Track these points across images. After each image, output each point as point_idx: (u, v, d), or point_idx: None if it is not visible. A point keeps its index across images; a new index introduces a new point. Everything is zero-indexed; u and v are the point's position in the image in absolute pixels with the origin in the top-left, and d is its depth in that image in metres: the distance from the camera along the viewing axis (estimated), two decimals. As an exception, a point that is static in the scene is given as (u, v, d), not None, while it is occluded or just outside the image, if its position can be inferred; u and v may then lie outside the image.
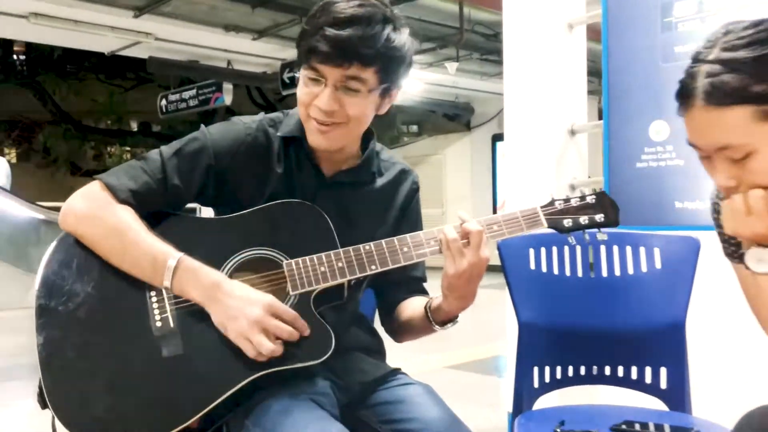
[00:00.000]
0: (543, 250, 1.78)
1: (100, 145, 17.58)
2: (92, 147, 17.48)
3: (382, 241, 1.32)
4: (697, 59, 1.05)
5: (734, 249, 1.19)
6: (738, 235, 1.10)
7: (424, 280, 1.55)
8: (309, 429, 1.17)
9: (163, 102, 10.94)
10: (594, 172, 3.38)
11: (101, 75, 16.24)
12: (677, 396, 1.67)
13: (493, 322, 4.29)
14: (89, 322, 1.26)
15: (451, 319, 1.39)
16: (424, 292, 1.53)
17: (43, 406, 1.25)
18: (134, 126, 18.15)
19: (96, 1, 6.66)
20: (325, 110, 1.30)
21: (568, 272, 1.78)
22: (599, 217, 1.35)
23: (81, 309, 1.26)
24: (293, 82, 8.29)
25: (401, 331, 1.51)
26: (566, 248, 1.78)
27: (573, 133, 3.01)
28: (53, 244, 1.33)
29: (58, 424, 1.23)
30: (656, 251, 1.74)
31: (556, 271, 1.78)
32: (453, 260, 1.28)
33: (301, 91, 1.32)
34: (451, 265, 1.28)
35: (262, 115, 1.46)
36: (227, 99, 9.60)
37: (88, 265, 1.30)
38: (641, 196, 2.68)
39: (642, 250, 1.75)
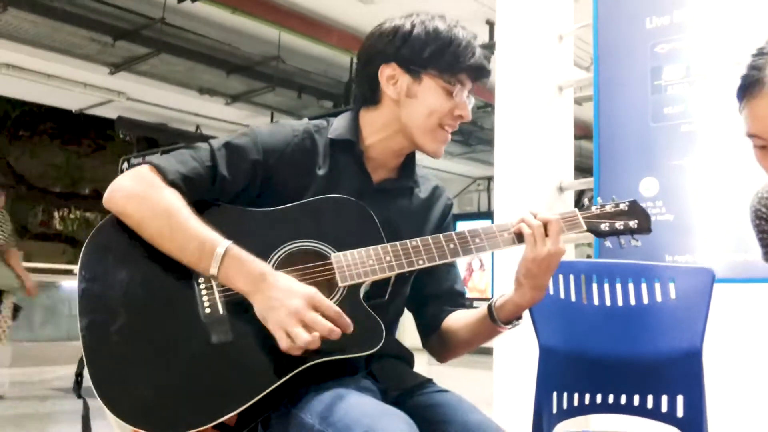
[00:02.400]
0: (561, 277, 1.80)
1: (51, 208, 17.18)
2: (42, 210, 17.08)
3: (429, 237, 1.34)
4: (762, 53, 1.12)
5: None
6: None
7: (465, 295, 1.55)
8: (367, 408, 1.15)
9: (125, 165, 10.83)
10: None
11: (56, 140, 16.04)
12: (694, 424, 1.68)
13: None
14: (136, 305, 1.23)
15: (518, 317, 1.40)
16: (467, 308, 1.54)
17: (78, 395, 1.20)
18: (87, 191, 17.82)
19: (73, 56, 6.66)
20: (467, 118, 1.41)
21: (584, 300, 1.80)
22: (633, 223, 1.41)
23: (127, 293, 1.23)
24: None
25: (451, 344, 1.49)
26: (583, 277, 1.82)
27: (561, 189, 3.10)
28: (95, 229, 1.30)
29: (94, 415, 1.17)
30: (670, 282, 1.78)
31: (573, 298, 1.80)
32: (535, 244, 1.30)
33: (440, 100, 1.38)
34: (531, 250, 1.31)
35: (306, 120, 1.49)
36: (192, 164, 9.55)
37: (133, 250, 1.27)
38: (632, 250, 2.75)
39: (656, 280, 1.80)
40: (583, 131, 6.55)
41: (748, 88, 1.11)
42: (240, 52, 7.11)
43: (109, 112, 8.57)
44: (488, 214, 9.06)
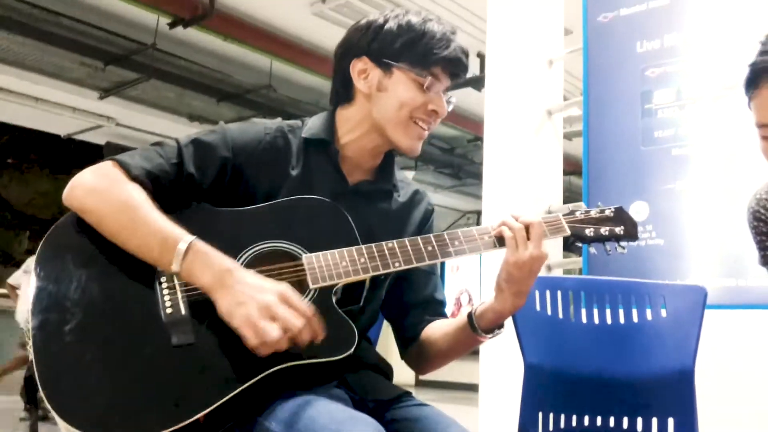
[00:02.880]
0: (548, 293, 1.73)
1: (37, 236, 17.00)
2: (29, 237, 16.90)
3: (405, 239, 1.27)
4: None
5: None
6: None
7: (445, 304, 1.48)
8: (335, 414, 1.07)
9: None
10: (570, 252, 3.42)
11: (45, 168, 15.93)
12: (686, 449, 1.60)
13: None
14: (92, 305, 1.15)
15: (499, 326, 1.33)
16: (446, 318, 1.47)
17: (28, 400, 1.12)
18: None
19: (63, 80, 6.62)
20: (442, 114, 1.34)
21: (572, 317, 1.73)
22: (619, 230, 1.36)
23: (83, 293, 1.15)
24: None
25: (430, 355, 1.42)
26: (571, 293, 1.75)
27: (550, 213, 3.04)
28: (53, 227, 1.23)
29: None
30: (661, 300, 1.72)
31: (561, 316, 1.73)
32: (516, 248, 1.24)
33: (411, 93, 1.32)
34: (513, 254, 1.24)
35: (279, 120, 1.43)
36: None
37: (91, 249, 1.20)
38: (621, 274, 2.68)
39: (647, 299, 1.73)
40: (572, 167, 6.54)
41: (763, 74, 1.05)
42: (231, 80, 7.10)
43: (98, 138, 8.52)
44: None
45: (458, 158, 9.38)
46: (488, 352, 3.12)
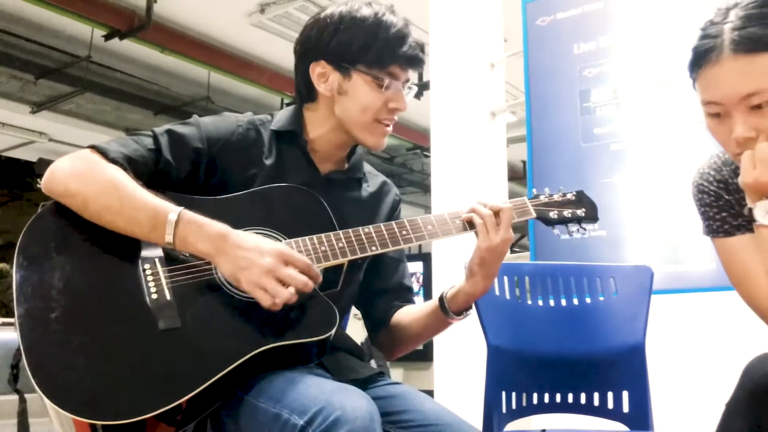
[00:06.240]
0: (506, 278, 1.82)
1: (-37, 260, 16.33)
2: (-46, 261, 16.21)
3: (381, 224, 1.33)
4: (715, 23, 1.16)
5: (719, 224, 1.27)
6: (761, 185, 1.14)
7: (413, 291, 1.54)
8: (323, 386, 1.11)
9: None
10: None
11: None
12: (640, 419, 1.70)
13: None
14: (77, 293, 1.17)
15: (468, 308, 1.39)
16: (413, 303, 1.53)
17: (14, 389, 1.13)
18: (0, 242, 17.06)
19: (-8, 93, 6.43)
20: (403, 110, 1.37)
21: (529, 300, 1.82)
22: (581, 212, 1.44)
23: (68, 280, 1.17)
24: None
25: (402, 339, 1.48)
26: (527, 278, 1.84)
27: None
28: (33, 217, 1.24)
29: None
30: (611, 281, 1.83)
31: (519, 299, 1.82)
32: (488, 233, 1.31)
33: (371, 96, 1.36)
34: (485, 239, 1.31)
35: (250, 114, 1.47)
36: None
37: (74, 237, 1.22)
38: (566, 257, 2.81)
39: (598, 280, 1.83)
40: (509, 172, 6.70)
41: (704, 56, 1.14)
42: (168, 92, 7.02)
43: (29, 155, 8.26)
44: (420, 256, 9.09)
45: (398, 167, 9.47)
46: (442, 358, 3.20)
